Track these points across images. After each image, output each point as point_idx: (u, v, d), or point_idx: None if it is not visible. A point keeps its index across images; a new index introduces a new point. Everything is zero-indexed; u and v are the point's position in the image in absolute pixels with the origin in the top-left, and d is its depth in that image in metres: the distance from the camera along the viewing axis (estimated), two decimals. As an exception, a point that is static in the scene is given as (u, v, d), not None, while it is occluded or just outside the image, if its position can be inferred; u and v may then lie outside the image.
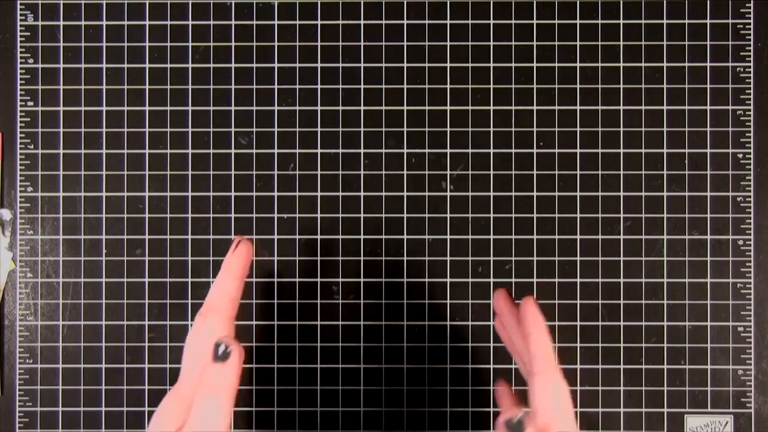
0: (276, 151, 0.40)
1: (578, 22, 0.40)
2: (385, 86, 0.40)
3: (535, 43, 0.40)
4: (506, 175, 0.40)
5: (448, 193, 0.40)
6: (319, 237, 0.40)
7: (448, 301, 0.40)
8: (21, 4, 0.40)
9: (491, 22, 0.40)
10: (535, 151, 0.40)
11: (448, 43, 0.40)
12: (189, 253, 0.40)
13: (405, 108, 0.40)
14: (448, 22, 0.40)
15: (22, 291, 0.40)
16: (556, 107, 0.40)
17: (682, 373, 0.39)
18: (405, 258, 0.40)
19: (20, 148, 0.40)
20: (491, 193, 0.40)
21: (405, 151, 0.40)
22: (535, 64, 0.40)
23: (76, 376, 0.39)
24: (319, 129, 0.40)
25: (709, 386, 0.39)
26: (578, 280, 0.39)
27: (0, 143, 0.40)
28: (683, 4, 0.40)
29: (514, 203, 0.39)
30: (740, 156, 0.40)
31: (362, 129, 0.40)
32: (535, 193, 0.40)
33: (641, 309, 0.39)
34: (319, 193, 0.40)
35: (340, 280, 0.40)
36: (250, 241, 0.33)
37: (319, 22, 0.40)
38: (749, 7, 0.40)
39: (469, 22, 0.40)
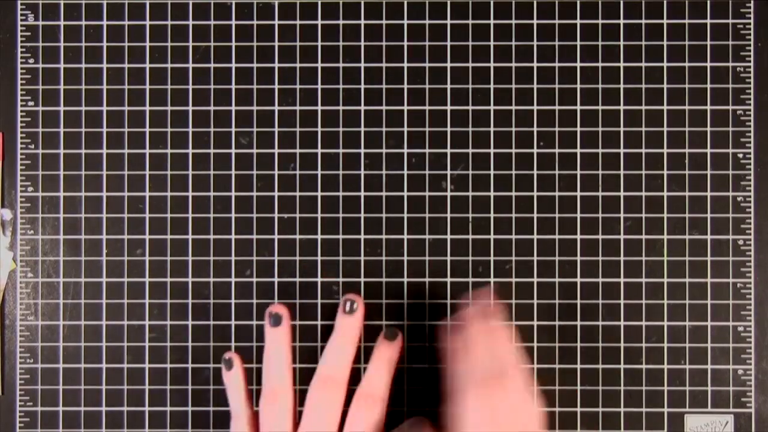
0: (276, 151, 0.40)
1: (578, 22, 0.40)
2: (385, 86, 0.40)
3: (535, 43, 0.40)
4: (506, 175, 0.40)
5: (448, 193, 0.40)
6: (319, 237, 0.40)
7: (448, 301, 0.40)
8: (21, 4, 0.40)
9: (491, 22, 0.40)
10: (535, 151, 0.40)
11: (448, 43, 0.40)
12: (189, 253, 0.40)
13: (405, 108, 0.40)
14: (449, 22, 0.40)
15: (23, 291, 0.40)
16: (557, 107, 0.40)
17: (682, 373, 0.39)
18: (405, 258, 0.40)
19: (21, 148, 0.40)
20: (491, 193, 0.40)
21: (405, 151, 0.40)
22: (535, 64, 0.40)
23: (77, 376, 0.39)
24: (319, 129, 0.40)
25: (709, 386, 0.39)
26: (578, 280, 0.39)
27: (0, 143, 0.40)
28: (683, 4, 0.40)
29: (514, 203, 0.39)
30: (740, 156, 0.40)
31: (362, 129, 0.40)
32: (535, 193, 0.40)
33: (641, 309, 0.39)
34: (319, 193, 0.40)
35: (341, 280, 0.40)
36: (363, 302, 0.37)
37: (319, 22, 0.40)
38: (749, 7, 0.40)
39: (470, 22, 0.40)
